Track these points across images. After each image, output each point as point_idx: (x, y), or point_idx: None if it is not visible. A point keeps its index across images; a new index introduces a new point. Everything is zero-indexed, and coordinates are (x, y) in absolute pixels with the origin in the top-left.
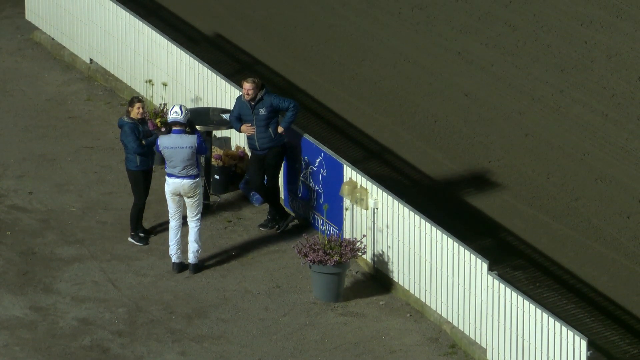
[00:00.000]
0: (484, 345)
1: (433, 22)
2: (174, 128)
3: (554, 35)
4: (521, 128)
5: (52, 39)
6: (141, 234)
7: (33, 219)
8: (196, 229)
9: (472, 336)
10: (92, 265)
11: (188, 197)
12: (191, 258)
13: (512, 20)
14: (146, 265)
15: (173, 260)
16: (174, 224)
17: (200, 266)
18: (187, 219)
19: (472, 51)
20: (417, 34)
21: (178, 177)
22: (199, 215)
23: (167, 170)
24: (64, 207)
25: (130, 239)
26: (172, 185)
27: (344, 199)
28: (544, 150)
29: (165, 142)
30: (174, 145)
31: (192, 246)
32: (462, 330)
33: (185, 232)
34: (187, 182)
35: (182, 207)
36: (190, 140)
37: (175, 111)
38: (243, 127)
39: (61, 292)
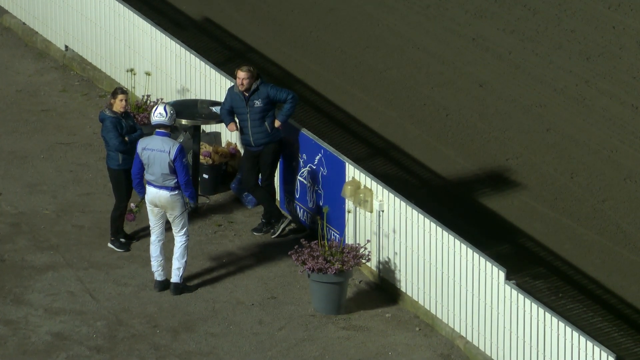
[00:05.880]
0: None
1: (445, 5)
2: (157, 130)
3: (579, 20)
4: (542, 122)
5: (24, 23)
6: (122, 240)
7: (2, 222)
8: (180, 245)
9: (487, 352)
10: (67, 274)
11: (167, 211)
12: (173, 277)
13: (532, 3)
14: (127, 273)
15: (155, 278)
16: (153, 237)
17: (182, 287)
18: (173, 233)
19: (488, 37)
20: (427, 18)
21: (154, 186)
22: (183, 231)
23: (146, 176)
24: (37, 209)
25: (110, 245)
26: (149, 194)
27: (346, 200)
28: (567, 146)
29: (146, 143)
30: (154, 148)
31: (175, 263)
32: (477, 345)
33: (170, 248)
34: (163, 193)
35: (164, 220)
36: (171, 146)
37: (160, 112)
38: (229, 127)
39: (33, 304)
